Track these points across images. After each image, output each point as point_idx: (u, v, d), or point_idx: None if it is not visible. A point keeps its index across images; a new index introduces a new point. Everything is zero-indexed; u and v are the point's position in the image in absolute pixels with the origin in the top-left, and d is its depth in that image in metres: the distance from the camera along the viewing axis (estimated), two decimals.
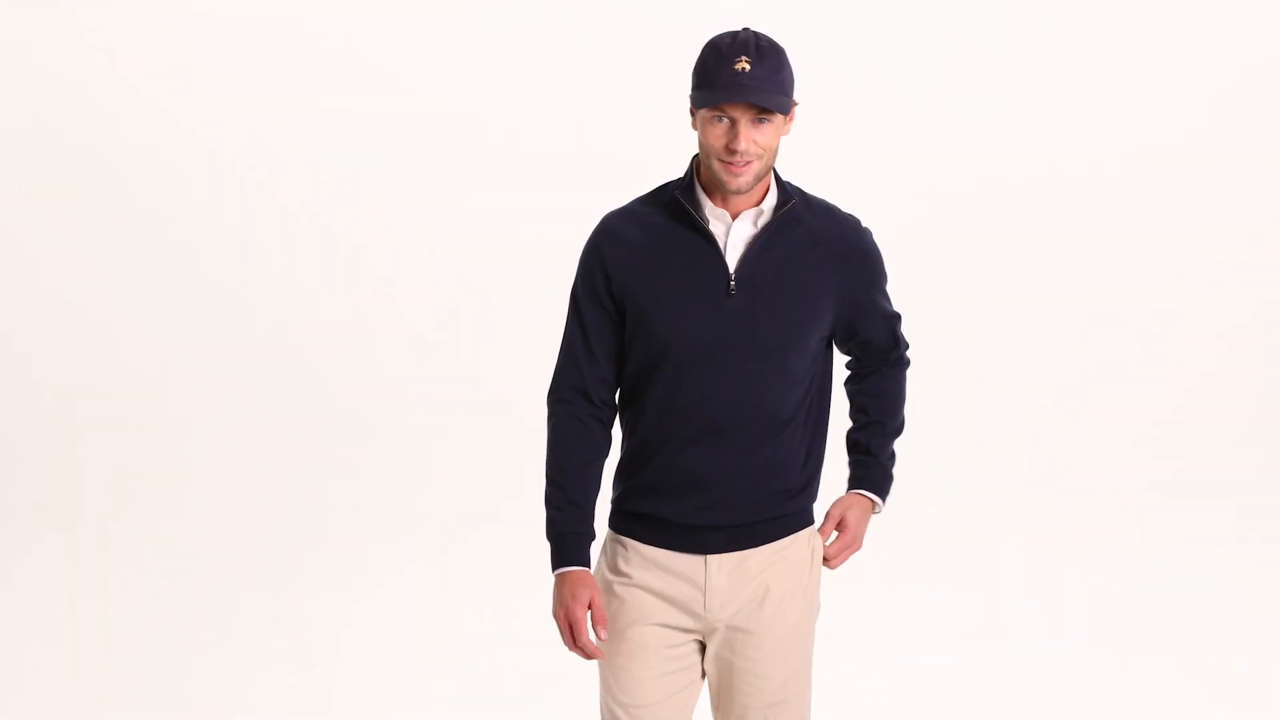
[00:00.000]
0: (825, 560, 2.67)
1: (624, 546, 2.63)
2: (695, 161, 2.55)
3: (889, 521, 5.55)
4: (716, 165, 2.45)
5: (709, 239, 2.51)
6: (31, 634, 4.90)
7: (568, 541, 2.58)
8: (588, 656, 2.57)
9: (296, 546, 5.57)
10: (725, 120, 2.42)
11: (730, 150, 2.42)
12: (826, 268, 2.58)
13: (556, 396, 2.65)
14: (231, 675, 4.55)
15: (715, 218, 2.52)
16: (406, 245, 6.24)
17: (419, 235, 6.22)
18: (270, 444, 6.12)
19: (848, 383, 2.81)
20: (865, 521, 2.71)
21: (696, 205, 2.52)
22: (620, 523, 2.64)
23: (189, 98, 6.17)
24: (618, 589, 2.61)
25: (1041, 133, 6.26)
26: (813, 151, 6.30)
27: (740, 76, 2.40)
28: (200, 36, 6.16)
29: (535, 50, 6.14)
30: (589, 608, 2.55)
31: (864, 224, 2.71)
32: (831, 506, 2.70)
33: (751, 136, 2.42)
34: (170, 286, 6.26)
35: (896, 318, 2.76)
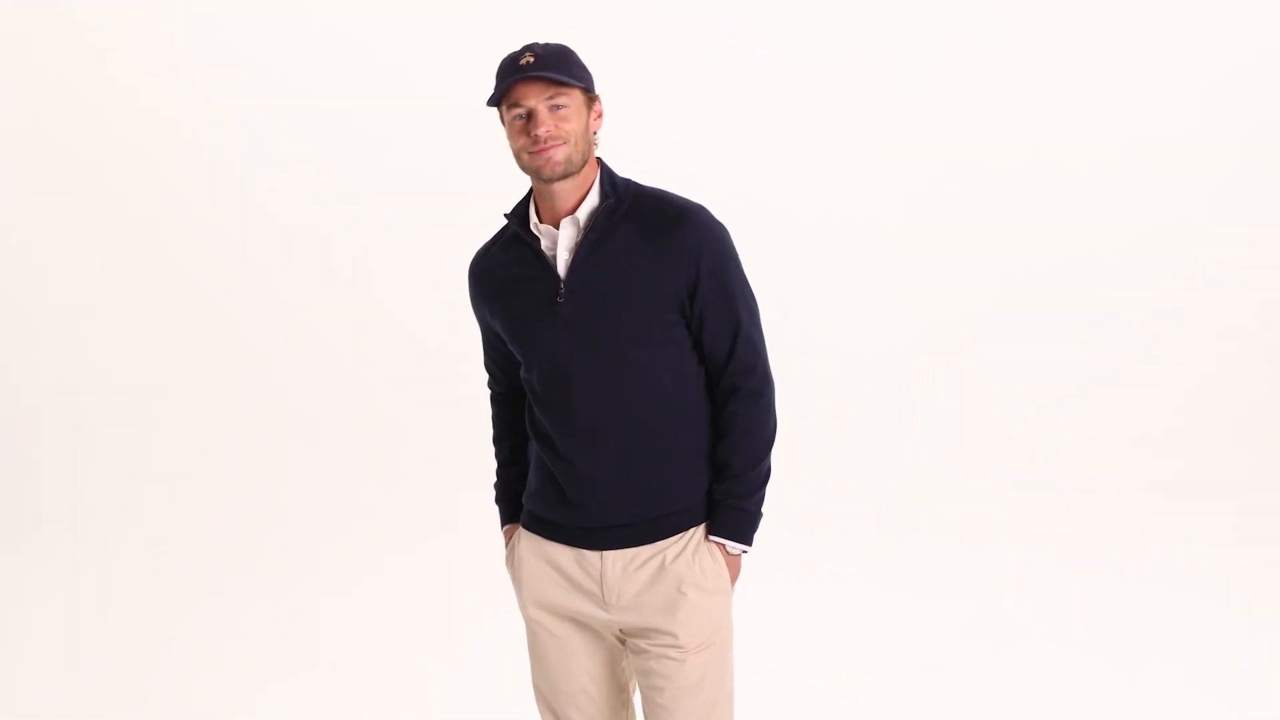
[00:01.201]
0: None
1: (526, 538, 2.74)
2: (530, 189, 2.67)
3: (889, 521, 5.59)
4: (527, 159, 2.54)
5: (540, 255, 2.60)
6: (25, 635, 4.91)
7: (503, 503, 2.89)
8: None
9: (296, 547, 5.58)
10: (523, 115, 2.52)
11: (532, 138, 2.51)
12: (651, 261, 2.54)
13: (488, 385, 2.97)
14: (231, 676, 4.55)
15: (543, 234, 2.61)
16: (406, 245, 6.24)
17: (419, 235, 6.22)
18: (270, 444, 6.12)
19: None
20: (724, 574, 2.63)
21: (525, 225, 2.63)
22: (525, 518, 2.77)
23: (189, 98, 6.17)
24: (522, 583, 2.73)
25: (1041, 133, 6.27)
26: (813, 151, 6.32)
27: (525, 67, 2.51)
28: (200, 37, 6.16)
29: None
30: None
31: (705, 213, 2.59)
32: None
33: (549, 120, 2.51)
34: (170, 286, 6.26)
35: (744, 335, 2.60)
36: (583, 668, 2.72)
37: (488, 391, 2.97)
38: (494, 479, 2.89)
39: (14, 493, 6.02)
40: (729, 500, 2.62)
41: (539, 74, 2.49)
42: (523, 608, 2.73)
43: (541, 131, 2.50)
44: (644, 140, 5.95)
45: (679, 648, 2.62)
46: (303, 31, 6.16)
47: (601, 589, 2.63)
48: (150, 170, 6.21)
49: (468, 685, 4.44)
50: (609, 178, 2.62)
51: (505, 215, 2.67)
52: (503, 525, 2.85)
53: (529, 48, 2.55)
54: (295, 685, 4.48)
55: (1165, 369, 6.27)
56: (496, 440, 2.91)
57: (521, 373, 2.71)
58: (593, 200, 2.60)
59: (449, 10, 6.15)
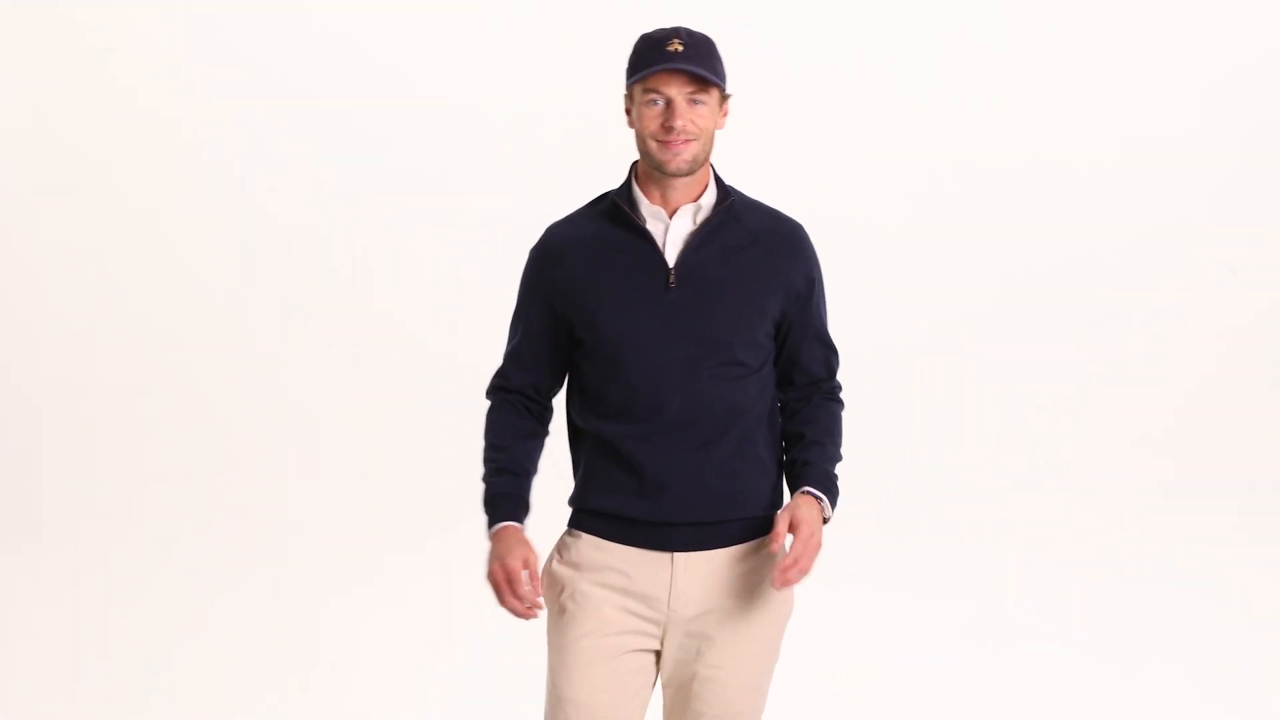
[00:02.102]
0: (783, 571, 2.42)
1: (582, 542, 2.59)
2: (633, 167, 2.59)
3: (889, 521, 5.58)
4: (654, 147, 2.48)
5: (646, 237, 2.53)
6: (24, 635, 4.91)
7: (501, 503, 2.60)
8: (522, 614, 2.51)
9: (296, 547, 5.57)
10: (660, 102, 2.46)
11: (666, 128, 2.45)
12: (765, 265, 2.57)
13: (495, 387, 2.73)
14: (231, 676, 4.55)
15: (652, 216, 2.54)
16: (406, 245, 6.24)
17: (419, 236, 6.22)
18: (269, 444, 6.12)
19: (781, 418, 2.68)
20: (819, 521, 2.50)
21: (634, 205, 2.54)
22: (581, 520, 2.61)
23: (189, 98, 6.17)
24: (576, 583, 2.57)
25: (1042, 133, 6.27)
26: (813, 151, 6.31)
27: (673, 55, 2.45)
28: (200, 37, 6.16)
29: (535, 50, 6.14)
30: (524, 565, 2.50)
31: (806, 231, 2.68)
32: (777, 516, 2.53)
33: (687, 115, 2.45)
34: (170, 286, 6.25)
35: (833, 350, 2.70)
36: (634, 693, 2.60)
37: (490, 410, 2.73)
38: (489, 486, 2.64)
39: (14, 493, 6.02)
40: (822, 464, 2.58)
41: (687, 67, 2.44)
42: (574, 626, 2.57)
43: (679, 124, 2.45)
44: None
45: (739, 657, 2.57)
46: (303, 31, 6.16)
47: (670, 593, 2.54)
48: (150, 170, 6.21)
49: (468, 685, 4.44)
50: (718, 177, 2.60)
51: (613, 196, 2.57)
52: (497, 524, 2.58)
53: (676, 32, 2.47)
54: (295, 685, 4.48)
55: (1165, 369, 6.26)
56: (498, 447, 2.67)
57: (583, 371, 2.58)
58: (712, 194, 2.57)
59: (449, 10, 6.15)
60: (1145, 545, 5.49)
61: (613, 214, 2.57)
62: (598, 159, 6.03)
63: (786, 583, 2.43)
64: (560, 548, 2.65)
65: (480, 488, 2.65)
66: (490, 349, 6.57)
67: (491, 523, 2.59)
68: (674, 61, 2.43)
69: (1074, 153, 6.28)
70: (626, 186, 2.58)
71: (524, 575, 2.50)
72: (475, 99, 6.20)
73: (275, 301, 6.22)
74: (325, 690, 4.45)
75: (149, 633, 4.87)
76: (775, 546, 2.50)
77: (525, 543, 2.55)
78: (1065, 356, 6.27)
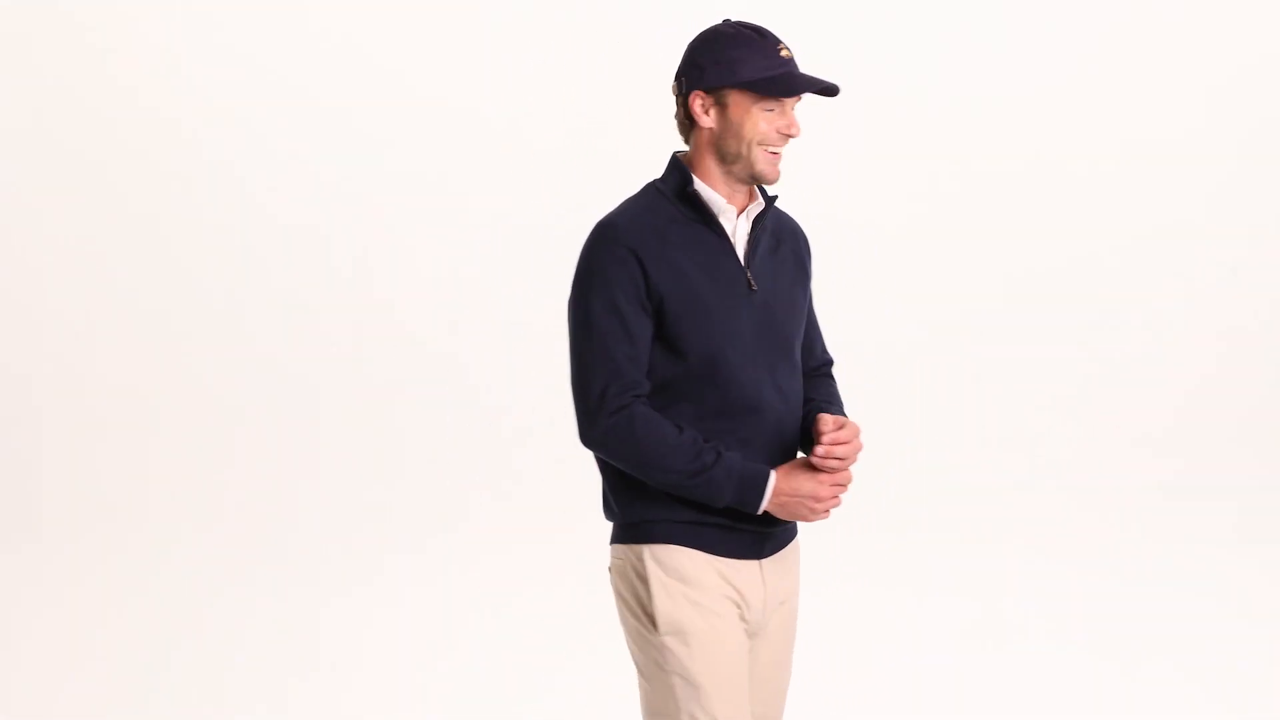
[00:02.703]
0: (833, 445, 2.42)
1: (684, 556, 2.45)
2: (683, 160, 2.51)
3: (889, 521, 5.58)
4: (761, 155, 2.43)
5: (724, 238, 2.48)
6: (24, 636, 4.91)
7: (747, 465, 2.42)
8: (845, 481, 2.46)
9: (296, 547, 5.57)
10: (772, 110, 2.43)
11: (786, 136, 2.43)
12: (796, 263, 2.61)
13: (611, 408, 2.39)
14: (231, 676, 4.55)
15: (726, 217, 2.49)
16: (406, 245, 6.23)
17: (419, 236, 6.22)
18: (269, 444, 6.11)
19: None
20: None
21: (712, 202, 2.48)
22: (672, 533, 2.46)
23: (188, 98, 6.17)
24: (698, 599, 2.44)
25: (1042, 133, 6.26)
26: (812, 151, 6.30)
27: (791, 65, 2.42)
28: (200, 37, 6.15)
29: (535, 50, 6.14)
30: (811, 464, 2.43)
31: None
32: (818, 420, 2.48)
33: (797, 125, 2.45)
34: (169, 286, 6.25)
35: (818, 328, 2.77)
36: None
37: (613, 429, 2.41)
38: (726, 464, 2.40)
39: (14, 493, 6.02)
40: (836, 404, 2.64)
41: (817, 82, 2.40)
42: (715, 646, 2.45)
43: (795, 132, 2.43)
44: (643, 140, 5.94)
45: (787, 656, 2.63)
46: (303, 31, 6.16)
47: (763, 601, 2.52)
48: (150, 170, 6.20)
49: (469, 686, 4.44)
50: None
51: (686, 188, 2.45)
52: (767, 475, 2.42)
53: (771, 34, 2.43)
54: (295, 685, 4.48)
55: (1165, 369, 6.26)
56: (693, 439, 2.40)
57: (668, 374, 2.44)
58: (759, 201, 2.55)
59: (449, 10, 6.15)
60: (1145, 545, 5.49)
61: (693, 213, 2.47)
62: (598, 159, 6.07)
63: (829, 455, 2.42)
64: (656, 564, 2.46)
65: (675, 487, 2.44)
66: (490, 349, 6.64)
67: (762, 480, 2.43)
68: (806, 77, 2.40)
69: (1074, 153, 6.27)
70: (689, 182, 2.48)
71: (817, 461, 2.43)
72: (475, 99, 6.20)
73: (275, 301, 6.22)
74: (325, 690, 4.45)
75: (149, 633, 4.87)
76: (829, 438, 2.43)
77: (790, 467, 2.46)
78: (1065, 356, 6.26)
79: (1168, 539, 5.54)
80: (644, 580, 2.46)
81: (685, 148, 2.56)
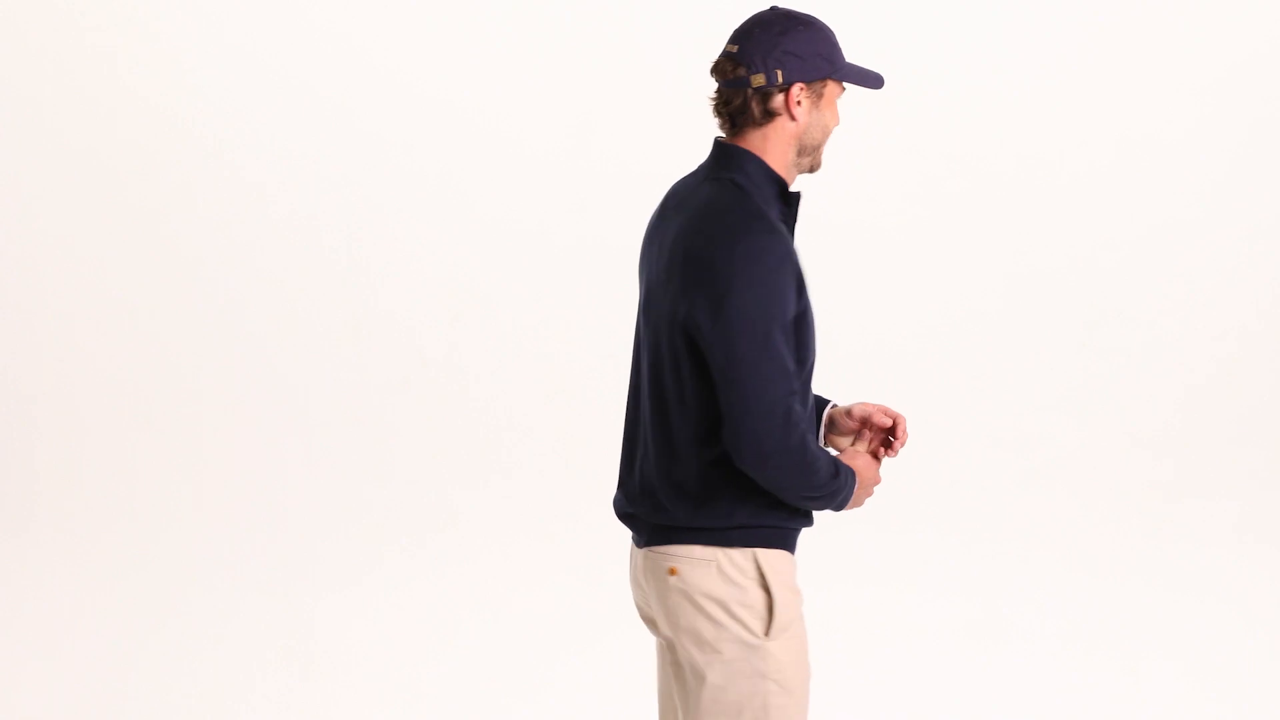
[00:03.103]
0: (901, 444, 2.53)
1: (788, 563, 2.47)
2: (760, 161, 2.38)
3: (889, 521, 5.57)
4: (820, 151, 2.44)
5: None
6: (20, 631, 4.91)
7: (845, 465, 2.46)
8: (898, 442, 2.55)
9: (292, 544, 5.57)
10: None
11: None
12: None
13: (794, 422, 2.30)
14: (225, 674, 4.55)
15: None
16: (406, 245, 6.24)
17: (419, 236, 6.22)
18: (267, 442, 6.12)
19: None
20: None
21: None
22: (784, 539, 2.46)
23: (188, 97, 6.17)
24: (800, 609, 2.49)
25: (1042, 132, 6.26)
26: None
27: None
28: (200, 36, 6.16)
29: (535, 50, 6.14)
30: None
31: None
32: (878, 408, 2.54)
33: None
34: (169, 284, 6.25)
35: None
36: None
37: (794, 450, 2.34)
38: (837, 464, 2.44)
39: (7, 488, 6.02)
40: None
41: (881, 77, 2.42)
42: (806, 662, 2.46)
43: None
44: (643, 140, 5.95)
45: None
46: (303, 31, 6.16)
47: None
48: (150, 169, 6.20)
49: (467, 685, 4.44)
50: None
51: (783, 192, 2.40)
52: (841, 467, 2.44)
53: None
54: (291, 683, 4.48)
55: (1165, 369, 6.26)
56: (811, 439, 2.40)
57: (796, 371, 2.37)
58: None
59: (449, 10, 6.15)
60: (1145, 545, 5.49)
61: (785, 210, 2.42)
62: (597, 159, 6.07)
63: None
64: (772, 569, 2.44)
65: (821, 498, 2.49)
66: (490, 349, 6.64)
67: (854, 473, 2.50)
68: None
69: (1075, 152, 6.27)
70: (783, 182, 2.42)
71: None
72: (475, 99, 6.20)
73: (275, 299, 6.22)
74: (321, 689, 4.45)
75: (142, 629, 4.87)
76: (904, 428, 2.54)
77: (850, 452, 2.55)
78: (1065, 356, 6.26)
79: (1168, 539, 5.54)
80: (759, 583, 2.41)
81: (722, 137, 2.44)
